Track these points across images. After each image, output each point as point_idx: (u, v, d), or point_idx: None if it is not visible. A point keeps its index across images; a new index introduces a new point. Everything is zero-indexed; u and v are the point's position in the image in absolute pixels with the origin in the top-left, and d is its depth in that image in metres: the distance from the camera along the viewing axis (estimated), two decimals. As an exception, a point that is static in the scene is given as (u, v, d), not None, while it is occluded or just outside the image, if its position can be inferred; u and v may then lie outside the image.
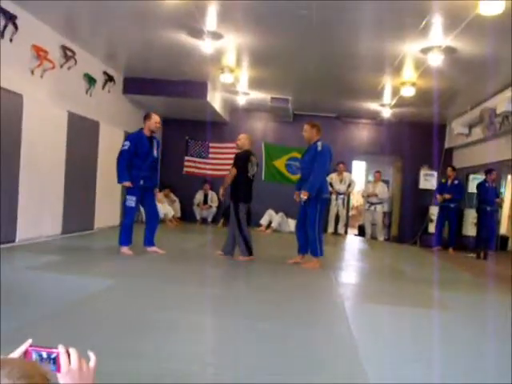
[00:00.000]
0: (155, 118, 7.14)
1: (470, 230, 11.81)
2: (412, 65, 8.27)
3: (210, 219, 13.39)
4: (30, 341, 1.18)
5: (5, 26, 6.48)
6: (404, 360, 3.37)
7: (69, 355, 1.15)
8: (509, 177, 11.96)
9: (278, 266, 7.15)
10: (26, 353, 1.17)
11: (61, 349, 1.13)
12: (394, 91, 10.05)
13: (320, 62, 8.65)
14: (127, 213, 7.15)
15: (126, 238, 7.07)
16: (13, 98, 6.81)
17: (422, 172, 13.24)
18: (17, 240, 7.08)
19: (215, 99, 11.60)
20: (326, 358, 3.34)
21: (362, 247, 11.46)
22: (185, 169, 13.86)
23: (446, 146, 13.17)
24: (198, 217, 13.43)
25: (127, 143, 7.01)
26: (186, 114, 12.59)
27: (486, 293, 6.34)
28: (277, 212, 12.96)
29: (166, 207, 12.05)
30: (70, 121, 8.37)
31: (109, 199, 10.24)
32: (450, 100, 10.45)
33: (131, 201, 7.05)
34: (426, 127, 12.53)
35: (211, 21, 6.96)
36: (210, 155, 13.88)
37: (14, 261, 6.18)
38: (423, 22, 6.29)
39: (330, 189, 12.56)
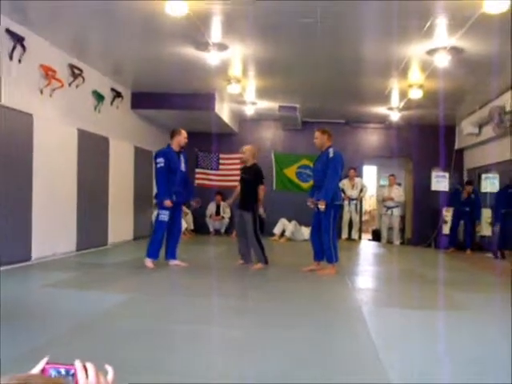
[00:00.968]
0: (184, 134, 7.24)
1: (485, 229, 11.72)
2: (418, 67, 8.25)
3: (223, 230, 13.39)
4: (46, 358, 1.17)
5: (13, 48, 6.55)
6: (426, 362, 3.34)
7: (86, 370, 1.14)
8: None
9: (294, 274, 7.13)
10: (43, 370, 1.16)
11: (77, 364, 1.13)
12: (402, 94, 10.03)
13: (326, 69, 8.66)
14: (159, 227, 7.17)
15: (154, 251, 7.12)
16: (23, 118, 6.88)
17: (434, 174, 13.17)
18: (32, 258, 7.12)
19: (223, 110, 11.63)
20: (347, 364, 3.32)
21: (378, 251, 11.40)
22: (196, 181, 13.88)
23: (457, 146, 13.11)
24: (211, 228, 13.44)
25: (161, 159, 7.04)
26: (194, 126, 12.60)
27: (506, 292, 6.26)
28: (290, 220, 12.93)
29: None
30: (80, 138, 8.44)
31: (121, 214, 10.29)
32: (458, 100, 10.41)
33: (164, 215, 7.09)
34: (435, 129, 12.46)
35: (216, 32, 7.00)
36: (221, 166, 13.91)
37: (31, 279, 6.22)
38: (428, 24, 6.28)
39: (343, 195, 12.56)
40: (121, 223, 10.27)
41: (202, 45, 7.41)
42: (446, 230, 12.11)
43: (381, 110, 11.81)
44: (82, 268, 7.13)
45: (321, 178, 7.03)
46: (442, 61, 7.43)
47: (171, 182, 7.08)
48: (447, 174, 12.81)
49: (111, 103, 9.80)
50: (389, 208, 13.03)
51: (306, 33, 6.87)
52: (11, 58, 6.56)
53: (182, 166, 7.28)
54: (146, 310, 4.78)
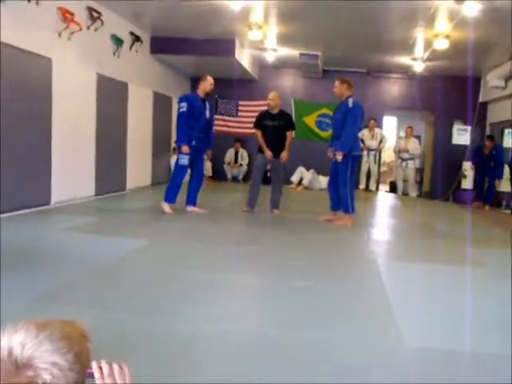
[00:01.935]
0: (210, 80, 7.18)
1: (504, 185, 11.58)
2: (446, 16, 7.97)
3: (240, 177, 13.43)
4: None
5: (31, -11, 6.45)
6: (437, 315, 3.37)
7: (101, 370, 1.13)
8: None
9: (310, 223, 7.18)
10: None
11: (93, 365, 1.12)
12: (427, 44, 9.75)
13: (349, 16, 8.40)
14: (178, 171, 7.19)
15: (172, 195, 7.15)
16: (42, 62, 6.84)
17: (456, 127, 12.96)
18: (52, 202, 7.23)
19: (243, 56, 11.44)
20: (359, 313, 3.37)
21: (394, 204, 11.38)
22: (214, 127, 13.79)
23: (481, 99, 12.80)
24: (229, 175, 13.49)
25: (184, 104, 7.01)
26: (214, 72, 12.28)
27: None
28: (308, 169, 12.90)
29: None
30: (99, 82, 8.39)
31: (140, 160, 10.34)
32: (485, 52, 10.09)
33: (184, 160, 7.09)
34: (459, 81, 12.18)
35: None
36: (239, 113, 13.80)
37: (49, 223, 6.33)
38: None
39: (362, 145, 12.46)
40: (139, 169, 10.33)
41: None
42: (464, 184, 11.98)
43: (404, 60, 11.52)
44: (100, 213, 7.23)
45: (340, 128, 6.97)
46: (472, 10, 7.16)
47: (193, 128, 7.05)
48: (469, 128, 12.60)
49: (130, 48, 9.67)
50: (404, 160, 12.91)
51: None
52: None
53: (207, 113, 7.25)
54: (162, 256, 4.86)
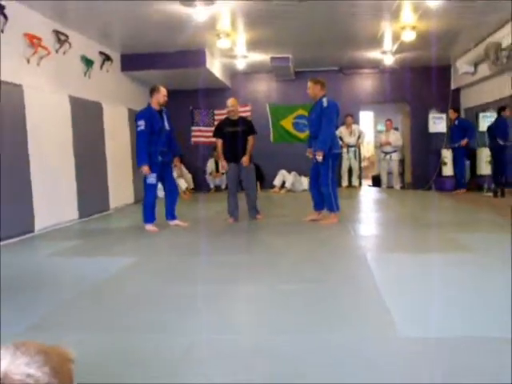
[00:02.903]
0: (163, 91, 7.04)
1: (484, 168, 11.72)
2: (410, 7, 8.06)
3: (223, 186, 13.41)
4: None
5: (-5, 18, 6.41)
6: (431, 305, 3.39)
7: None
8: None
9: (297, 224, 7.20)
10: None
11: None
12: (395, 37, 9.84)
13: (317, 15, 8.45)
14: (148, 190, 7.10)
15: (149, 215, 7.10)
16: (13, 90, 6.79)
17: (431, 116, 13.08)
18: (36, 229, 7.16)
19: (214, 66, 11.47)
20: (352, 310, 3.37)
21: (379, 197, 11.45)
22: (192, 139, 13.80)
23: (453, 86, 12.96)
24: (212, 185, 13.48)
25: (142, 122, 6.85)
26: (187, 84, 12.47)
27: (508, 231, 6.30)
28: (289, 172, 12.94)
29: (180, 180, 12.07)
30: (73, 105, 8.35)
31: (121, 178, 10.30)
32: (452, 39, 10.21)
33: (152, 178, 7.00)
34: (430, 70, 12.28)
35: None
36: (216, 122, 13.79)
37: (36, 249, 6.28)
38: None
39: (341, 142, 12.55)
40: (121, 187, 10.28)
41: (188, 0, 7.24)
42: (445, 171, 12.10)
43: (374, 54, 11.62)
44: (86, 235, 7.18)
45: (316, 128, 7.02)
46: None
47: (156, 143, 6.94)
48: (444, 116, 12.73)
49: (101, 67, 9.65)
50: (387, 153, 13.03)
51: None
52: (-6, 28, 6.42)
53: (166, 125, 7.13)
54: (150, 272, 4.83)
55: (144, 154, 6.88)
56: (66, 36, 8.08)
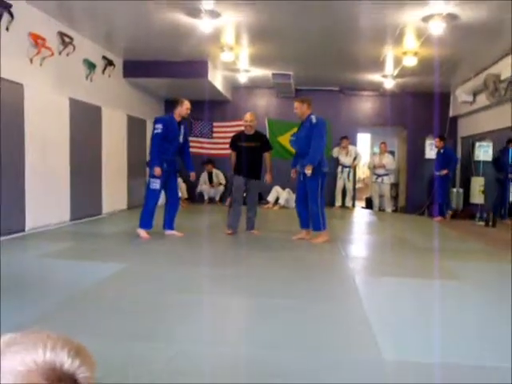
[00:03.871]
0: (187, 105, 7.15)
1: (477, 197, 11.82)
2: (413, 34, 8.15)
3: (217, 198, 13.42)
4: None
5: (0, 16, 6.43)
6: (417, 331, 3.39)
7: None
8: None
9: (287, 242, 7.19)
10: None
11: None
12: (396, 61, 9.94)
13: (320, 36, 8.54)
14: (150, 196, 7.11)
15: (147, 221, 7.10)
16: (13, 88, 6.80)
17: (428, 142, 13.17)
18: (27, 229, 7.13)
19: (216, 78, 11.52)
20: (338, 333, 3.36)
21: (370, 219, 11.48)
22: (191, 149, 13.79)
23: (451, 114, 13.06)
24: (206, 196, 13.47)
25: (160, 126, 6.98)
26: (187, 94, 12.35)
27: (497, 261, 6.34)
28: (283, 188, 12.96)
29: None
30: (72, 107, 8.36)
31: (115, 183, 10.29)
32: (453, 68, 10.33)
33: (155, 183, 7.04)
34: (429, 96, 12.41)
35: (208, -1, 6.88)
36: (214, 134, 13.83)
37: (26, 249, 6.24)
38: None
39: (340, 160, 12.72)
40: (115, 192, 10.27)
41: (195, 11, 7.29)
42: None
43: (375, 77, 11.72)
44: (77, 238, 7.16)
45: (304, 145, 7.03)
46: (437, 28, 7.34)
47: (166, 151, 7.03)
48: (441, 142, 12.78)
49: (103, 72, 9.68)
50: (379, 176, 13.06)
51: None
52: (-1, 25, 6.44)
53: (181, 137, 7.24)
54: (140, 279, 4.82)
55: (157, 156, 6.97)
56: (71, 38, 8.11)
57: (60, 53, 7.94)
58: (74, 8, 7.62)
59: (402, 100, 12.95)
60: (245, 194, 7.89)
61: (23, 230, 7.06)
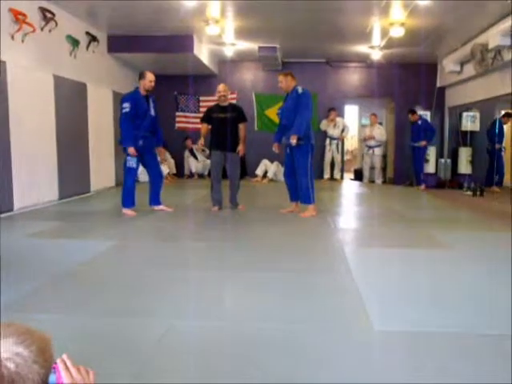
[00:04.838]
0: (149, 77, 6.98)
1: (464, 168, 11.91)
2: (400, 4, 8.09)
3: (206, 173, 13.39)
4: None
5: (-20, -8, 6.30)
6: (407, 301, 3.44)
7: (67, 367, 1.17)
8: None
9: (276, 216, 7.21)
10: None
11: (58, 362, 1.15)
12: (383, 32, 9.87)
13: (307, 7, 8.44)
14: (128, 174, 7.09)
15: (128, 199, 7.11)
16: (-4, 66, 6.69)
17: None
18: (15, 208, 7.10)
19: (202, 52, 11.40)
20: (328, 304, 3.40)
21: (360, 191, 11.52)
22: (177, 125, 13.76)
23: (438, 84, 13.04)
24: (194, 170, 13.41)
25: (127, 105, 6.86)
26: (173, 69, 12.38)
27: (485, 230, 6.40)
28: (272, 161, 12.96)
29: (163, 165, 12.03)
30: (57, 84, 8.25)
31: (103, 160, 10.23)
32: (440, 38, 10.28)
33: (131, 162, 7.01)
34: (417, 67, 12.37)
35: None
36: (202, 109, 13.72)
37: (14, 229, 6.21)
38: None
39: (328, 133, 12.74)
40: (103, 170, 10.22)
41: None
42: (427, 168, 12.23)
43: (362, 48, 11.65)
44: (66, 217, 7.12)
45: (291, 116, 6.99)
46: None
47: (139, 127, 6.94)
48: (428, 113, 12.82)
49: (87, 48, 9.53)
50: (370, 147, 13.11)
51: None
52: (-21, 2, 6.31)
53: (152, 111, 7.12)
54: (130, 256, 4.84)
55: (129, 135, 6.89)
56: (53, 14, 7.96)
57: (42, 29, 7.80)
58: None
59: (390, 71, 12.90)
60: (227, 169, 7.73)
61: (11, 210, 7.02)
